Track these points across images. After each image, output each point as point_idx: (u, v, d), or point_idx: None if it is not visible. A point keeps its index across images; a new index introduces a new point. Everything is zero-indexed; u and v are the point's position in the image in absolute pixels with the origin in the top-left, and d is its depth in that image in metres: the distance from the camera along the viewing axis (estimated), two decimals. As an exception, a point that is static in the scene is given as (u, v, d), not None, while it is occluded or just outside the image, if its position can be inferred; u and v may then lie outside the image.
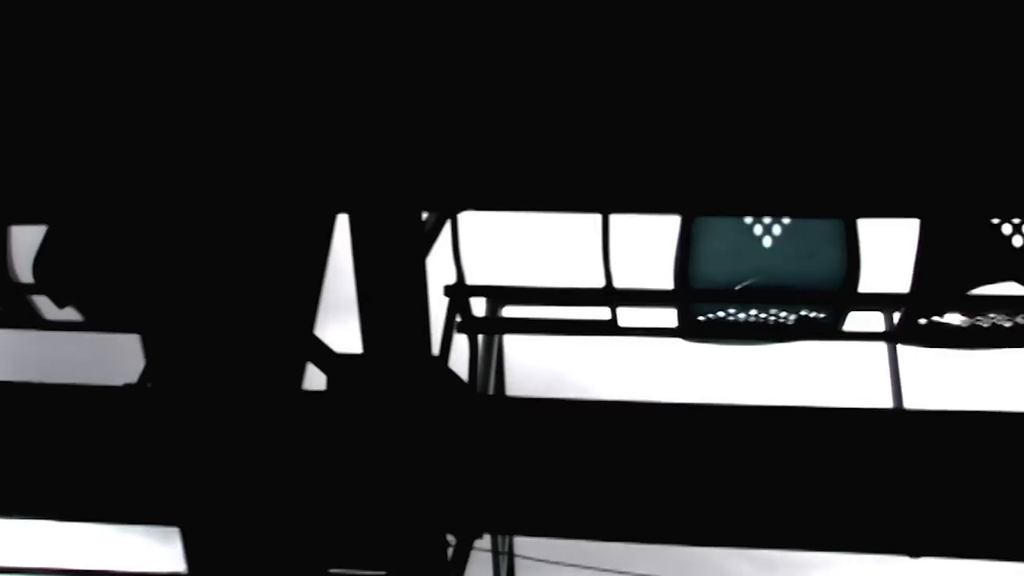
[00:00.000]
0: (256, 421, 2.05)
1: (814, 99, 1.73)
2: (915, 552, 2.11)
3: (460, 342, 2.50)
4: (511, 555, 3.26)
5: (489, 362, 2.77)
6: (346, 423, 1.94)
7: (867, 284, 2.22)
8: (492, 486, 2.34)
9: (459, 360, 2.42)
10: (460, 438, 2.23)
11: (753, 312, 2.25)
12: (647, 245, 2.32)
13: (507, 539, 3.17)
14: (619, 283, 2.28)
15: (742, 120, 1.76)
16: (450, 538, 2.62)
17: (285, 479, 2.10)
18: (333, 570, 2.06)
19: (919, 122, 1.71)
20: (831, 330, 2.29)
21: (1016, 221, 2.13)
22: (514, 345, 2.75)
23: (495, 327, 2.40)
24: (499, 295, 2.31)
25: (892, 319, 2.31)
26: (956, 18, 1.55)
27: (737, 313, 2.26)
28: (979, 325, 2.26)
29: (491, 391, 2.78)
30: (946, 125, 1.71)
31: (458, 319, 2.42)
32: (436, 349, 2.34)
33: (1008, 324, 2.26)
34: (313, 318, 1.78)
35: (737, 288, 2.17)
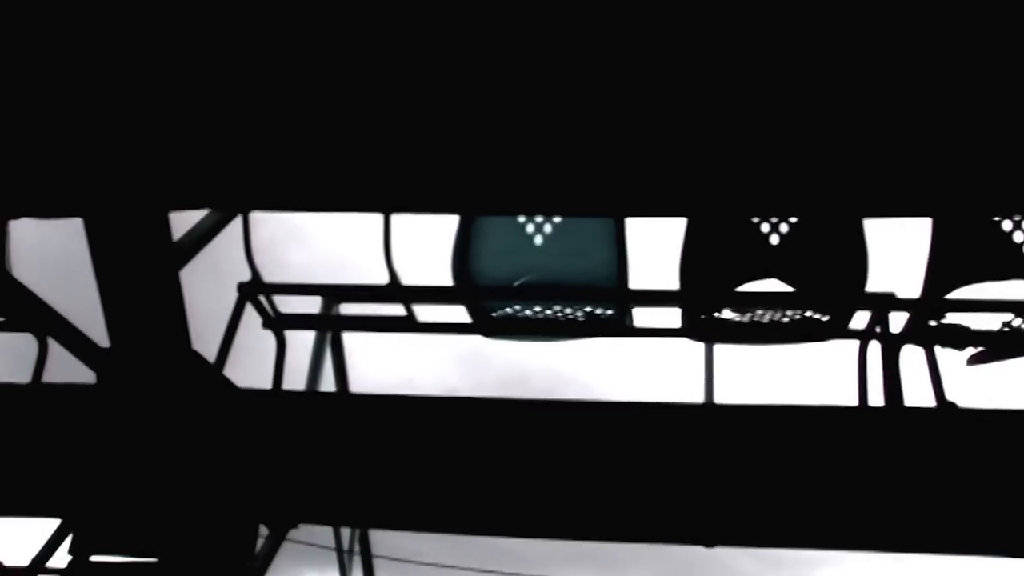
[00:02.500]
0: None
1: (765, 100, 1.77)
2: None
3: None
4: (367, 552, 3.32)
5: (320, 358, 2.85)
6: (112, 417, 2.01)
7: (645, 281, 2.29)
8: (294, 479, 2.41)
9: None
10: (249, 433, 2.31)
11: (537, 308, 2.32)
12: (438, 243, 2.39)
13: (356, 535, 3.23)
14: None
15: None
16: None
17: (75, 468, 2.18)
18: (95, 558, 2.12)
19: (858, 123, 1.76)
20: (619, 326, 2.36)
21: (771, 219, 2.20)
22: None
23: (300, 324, 2.47)
24: (296, 292, 2.38)
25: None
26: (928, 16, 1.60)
27: (523, 310, 2.33)
28: (758, 321, 2.32)
29: (318, 386, 2.85)
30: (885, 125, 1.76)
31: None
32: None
33: (785, 320, 2.32)
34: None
35: (515, 285, 2.24)
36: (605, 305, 2.31)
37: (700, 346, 2.43)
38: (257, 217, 2.45)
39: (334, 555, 3.18)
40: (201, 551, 2.32)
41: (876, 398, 2.27)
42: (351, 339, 2.91)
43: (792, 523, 2.24)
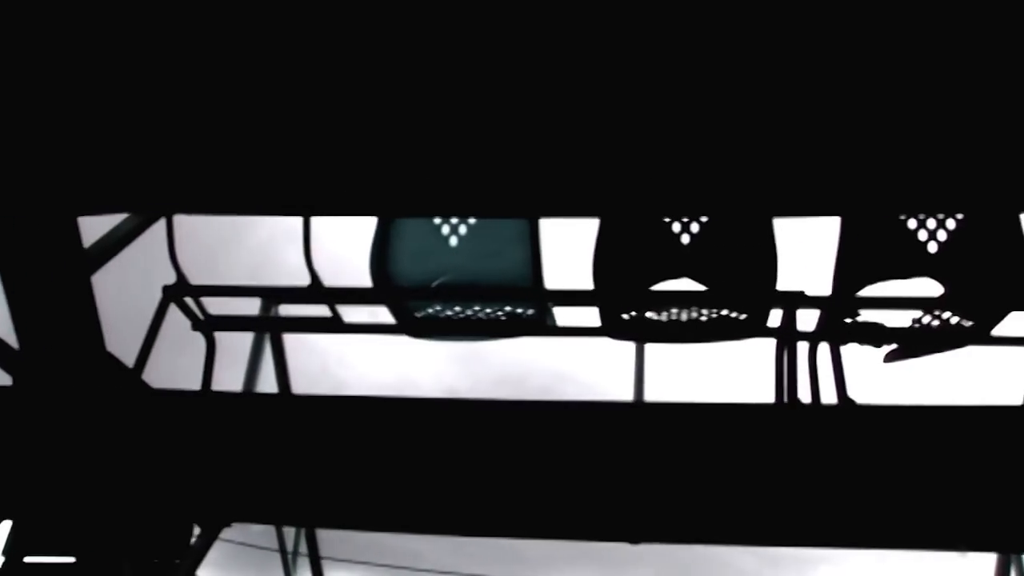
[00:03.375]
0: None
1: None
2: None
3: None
4: (314, 553, 3.35)
5: (258, 359, 2.88)
6: (30, 419, 2.04)
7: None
8: (223, 478, 2.45)
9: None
10: (173, 433, 2.34)
11: (458, 308, 2.35)
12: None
13: (301, 534, 3.27)
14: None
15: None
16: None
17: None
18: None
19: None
20: (540, 326, 2.39)
21: (687, 220, 2.23)
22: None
23: (230, 325, 2.50)
24: (221, 293, 2.41)
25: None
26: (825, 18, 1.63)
27: (444, 310, 2.36)
28: (677, 320, 2.35)
29: (256, 386, 2.89)
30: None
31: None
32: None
33: (703, 318, 2.35)
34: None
35: (433, 285, 2.27)
36: (524, 305, 2.34)
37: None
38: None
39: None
40: (130, 550, 2.35)
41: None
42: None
43: (714, 519, 2.27)
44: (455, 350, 2.53)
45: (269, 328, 2.57)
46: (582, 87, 1.85)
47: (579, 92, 1.86)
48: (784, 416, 2.14)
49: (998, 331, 2.24)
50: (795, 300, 2.18)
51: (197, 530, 2.62)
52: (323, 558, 3.27)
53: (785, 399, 2.16)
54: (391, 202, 2.24)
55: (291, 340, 2.96)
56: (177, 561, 2.47)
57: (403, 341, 2.47)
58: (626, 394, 2.80)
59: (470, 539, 2.50)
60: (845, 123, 1.85)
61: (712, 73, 1.81)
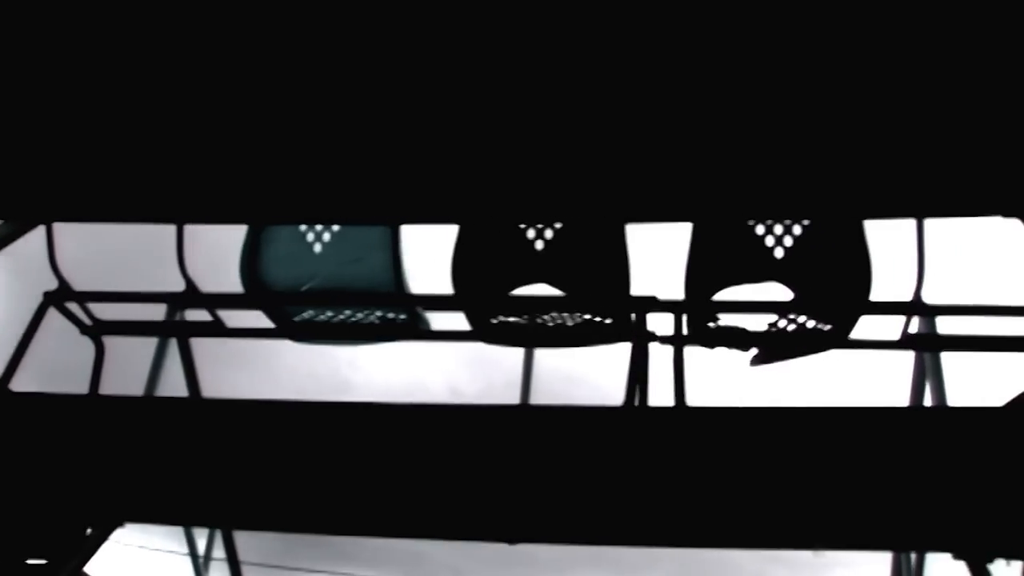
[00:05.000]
0: None
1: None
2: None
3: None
4: (232, 555, 3.40)
5: (160, 363, 2.95)
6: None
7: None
8: (110, 480, 2.51)
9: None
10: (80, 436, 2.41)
11: (330, 313, 2.42)
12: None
13: (214, 536, 3.32)
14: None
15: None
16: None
17: None
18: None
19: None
20: (413, 329, 2.46)
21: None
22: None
23: (120, 330, 2.57)
24: (100, 299, 2.48)
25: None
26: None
27: (317, 315, 2.43)
28: (543, 324, 2.41)
29: (156, 390, 2.95)
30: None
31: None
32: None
33: (571, 323, 2.40)
34: None
35: (303, 289, 2.34)
36: (394, 309, 2.40)
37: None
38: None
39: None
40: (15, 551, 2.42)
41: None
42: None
43: (581, 520, 2.32)
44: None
45: (158, 332, 2.65)
46: (426, 94, 1.92)
47: (429, 99, 1.93)
48: (630, 418, 2.19)
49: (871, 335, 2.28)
50: (647, 304, 2.23)
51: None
52: (281, 567, 3.31)
53: (636, 402, 2.21)
54: (258, 210, 2.31)
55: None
56: (67, 561, 2.53)
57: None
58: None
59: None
60: (694, 131, 1.91)
61: (570, 82, 1.87)
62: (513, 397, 2.69)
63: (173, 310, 2.79)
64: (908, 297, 2.23)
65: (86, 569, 2.58)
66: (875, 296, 2.24)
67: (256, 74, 1.94)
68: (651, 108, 1.91)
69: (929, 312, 2.21)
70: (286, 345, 2.55)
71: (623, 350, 2.33)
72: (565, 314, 2.33)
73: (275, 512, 2.53)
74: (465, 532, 2.51)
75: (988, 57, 1.68)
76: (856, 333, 2.31)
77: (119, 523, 2.70)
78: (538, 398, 2.68)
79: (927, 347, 2.27)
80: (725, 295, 2.27)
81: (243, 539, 3.48)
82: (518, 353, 2.51)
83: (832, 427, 2.16)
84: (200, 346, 2.91)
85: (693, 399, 2.24)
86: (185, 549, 3.49)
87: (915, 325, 2.28)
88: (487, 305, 2.28)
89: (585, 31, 1.78)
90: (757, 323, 2.34)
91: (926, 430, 2.03)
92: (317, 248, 2.27)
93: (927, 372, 2.51)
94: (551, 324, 2.40)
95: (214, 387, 2.99)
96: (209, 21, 1.80)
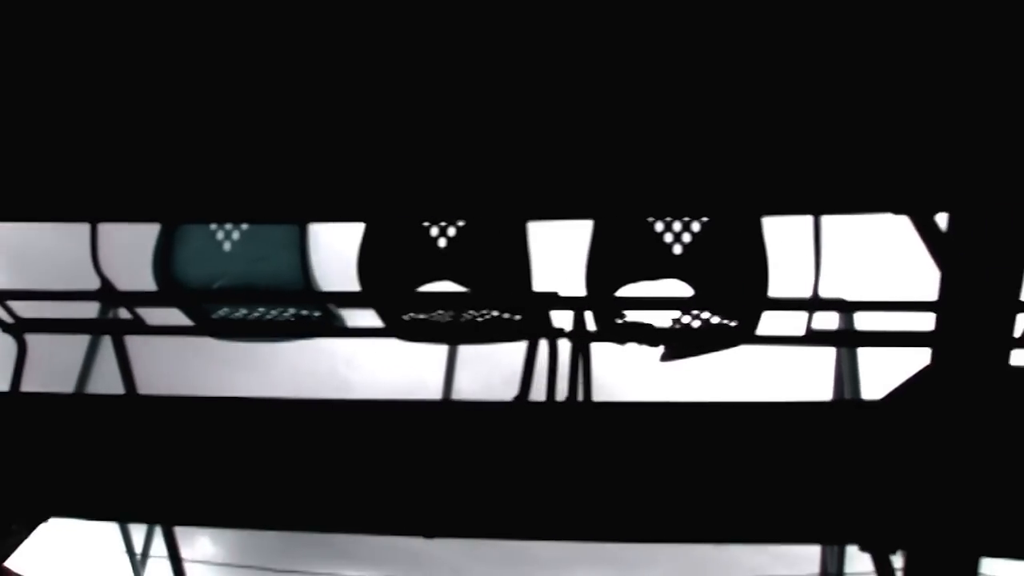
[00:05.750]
0: None
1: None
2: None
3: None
4: (174, 552, 3.44)
5: (91, 360, 2.99)
6: None
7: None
8: (35, 476, 2.55)
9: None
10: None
11: (244, 311, 2.46)
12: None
13: (153, 534, 3.36)
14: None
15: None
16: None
17: None
18: None
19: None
20: (327, 326, 2.49)
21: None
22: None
23: (44, 328, 2.61)
24: (23, 297, 2.52)
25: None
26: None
27: (232, 313, 2.47)
28: (454, 320, 2.44)
29: (87, 387, 2.99)
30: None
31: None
32: None
33: (480, 320, 2.43)
34: None
35: (214, 287, 2.37)
36: (307, 307, 2.43)
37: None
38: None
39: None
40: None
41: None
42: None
43: (493, 514, 2.35)
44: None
45: (79, 330, 2.69)
46: (327, 94, 1.95)
47: (330, 98, 1.96)
48: (530, 414, 2.23)
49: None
50: (549, 301, 2.27)
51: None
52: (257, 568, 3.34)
53: (525, 397, 2.25)
54: (169, 208, 2.35)
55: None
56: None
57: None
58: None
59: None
60: (594, 129, 1.93)
61: (467, 80, 1.90)
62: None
63: (106, 308, 2.83)
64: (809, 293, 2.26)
65: (8, 564, 2.62)
66: (778, 292, 2.27)
67: (161, 74, 1.97)
68: (550, 106, 1.93)
69: (826, 307, 2.23)
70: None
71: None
72: (471, 311, 2.36)
73: (207, 507, 2.57)
74: (379, 527, 2.54)
75: (878, 57, 1.70)
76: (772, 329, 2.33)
77: (43, 518, 2.74)
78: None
79: (828, 342, 2.29)
80: (627, 291, 2.30)
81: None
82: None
83: (733, 422, 2.19)
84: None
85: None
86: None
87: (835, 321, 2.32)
88: (393, 302, 2.31)
89: (474, 28, 1.81)
90: (663, 319, 2.37)
91: (819, 424, 2.06)
92: (227, 247, 2.30)
93: (843, 366, 2.54)
94: (461, 321, 2.43)
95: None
96: (93, 15, 1.82)
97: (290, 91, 1.97)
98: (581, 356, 2.19)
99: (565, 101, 1.91)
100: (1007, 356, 1.84)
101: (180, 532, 3.42)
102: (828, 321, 2.35)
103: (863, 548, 2.26)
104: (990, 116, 1.71)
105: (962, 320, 1.87)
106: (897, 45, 1.69)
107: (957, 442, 1.87)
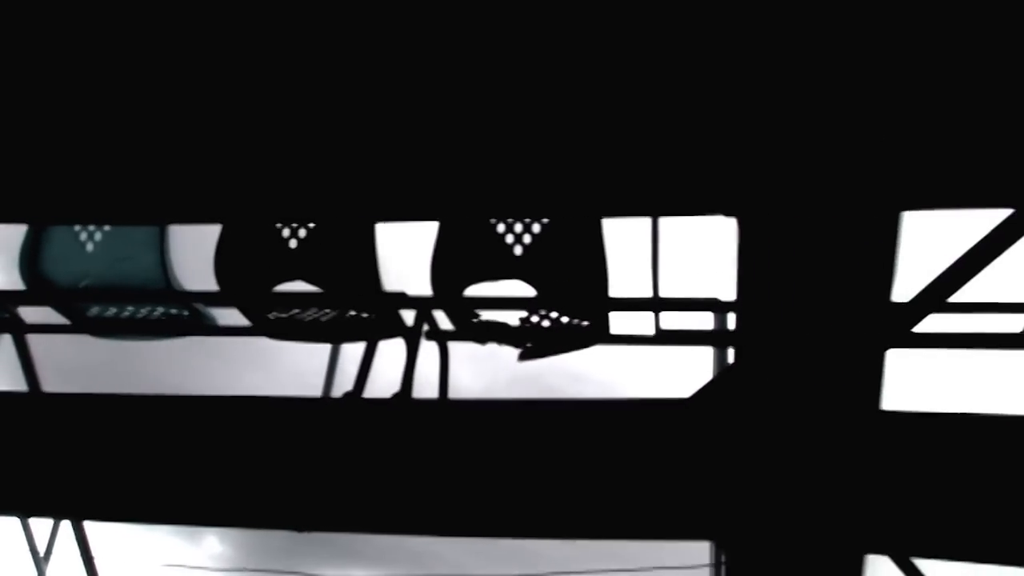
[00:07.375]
0: None
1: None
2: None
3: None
4: (85, 549, 3.49)
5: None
6: None
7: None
8: None
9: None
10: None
11: (114, 310, 2.53)
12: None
13: (57, 531, 3.42)
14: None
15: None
16: None
17: None
18: None
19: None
20: (198, 325, 2.56)
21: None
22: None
23: None
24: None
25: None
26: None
27: (103, 312, 2.54)
28: (318, 319, 2.50)
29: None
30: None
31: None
32: None
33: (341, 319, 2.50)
34: None
35: (80, 286, 2.45)
36: (175, 306, 2.50)
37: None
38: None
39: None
40: None
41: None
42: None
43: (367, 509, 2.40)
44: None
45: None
46: (186, 97, 2.01)
47: (188, 101, 2.02)
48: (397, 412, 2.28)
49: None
50: (396, 300, 2.33)
51: None
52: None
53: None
54: (34, 209, 2.42)
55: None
56: None
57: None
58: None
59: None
60: (437, 129, 1.99)
61: (321, 82, 1.96)
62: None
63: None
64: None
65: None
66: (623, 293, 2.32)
67: (29, 73, 2.03)
68: (396, 108, 1.98)
69: (666, 308, 2.28)
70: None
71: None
72: (327, 309, 2.42)
73: (112, 503, 2.60)
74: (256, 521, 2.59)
75: (715, 59, 1.74)
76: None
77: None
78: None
79: (670, 341, 2.34)
80: (474, 291, 2.36)
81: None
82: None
83: (587, 421, 2.24)
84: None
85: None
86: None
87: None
88: (248, 302, 2.38)
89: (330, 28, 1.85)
90: (515, 319, 2.43)
91: (630, 422, 2.10)
92: (89, 247, 2.38)
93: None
94: (324, 320, 2.49)
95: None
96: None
97: (148, 92, 2.03)
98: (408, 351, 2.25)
99: (411, 102, 1.96)
100: (806, 357, 1.89)
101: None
102: (680, 321, 2.41)
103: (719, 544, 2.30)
104: (780, 120, 1.75)
105: (758, 320, 1.91)
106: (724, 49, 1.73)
107: (760, 439, 1.91)
